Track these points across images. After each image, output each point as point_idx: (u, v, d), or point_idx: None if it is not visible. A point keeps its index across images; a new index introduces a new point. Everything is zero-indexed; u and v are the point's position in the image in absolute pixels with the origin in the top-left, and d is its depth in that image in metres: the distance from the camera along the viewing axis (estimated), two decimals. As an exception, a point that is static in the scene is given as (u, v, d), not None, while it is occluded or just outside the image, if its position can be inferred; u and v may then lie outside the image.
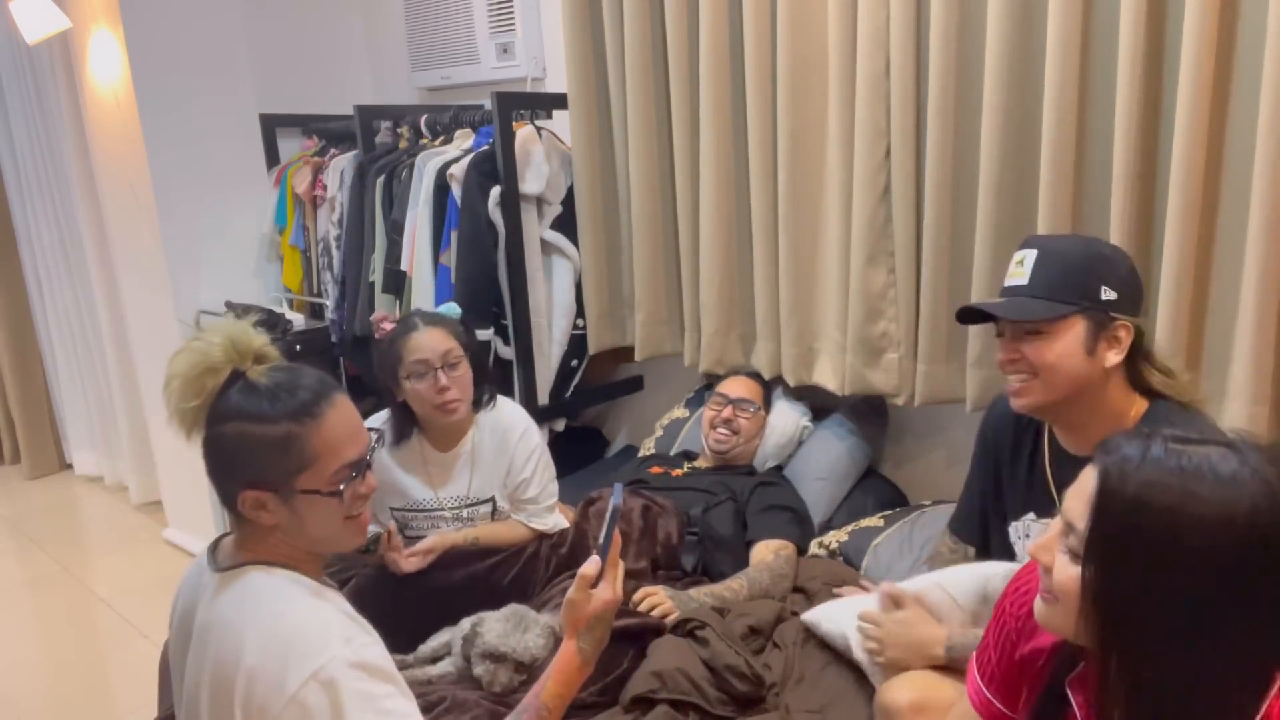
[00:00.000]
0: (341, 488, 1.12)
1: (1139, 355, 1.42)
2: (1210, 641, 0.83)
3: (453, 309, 2.11)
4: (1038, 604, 0.98)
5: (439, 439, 2.08)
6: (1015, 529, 1.62)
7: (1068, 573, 0.90)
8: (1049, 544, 0.95)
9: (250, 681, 1.03)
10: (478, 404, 2.08)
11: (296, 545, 1.15)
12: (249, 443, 1.09)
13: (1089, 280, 1.37)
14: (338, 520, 1.14)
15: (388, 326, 2.05)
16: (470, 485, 2.09)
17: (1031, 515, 1.58)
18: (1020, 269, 1.41)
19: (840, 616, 1.77)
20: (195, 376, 1.10)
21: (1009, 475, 1.62)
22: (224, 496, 1.13)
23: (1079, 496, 0.90)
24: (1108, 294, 1.36)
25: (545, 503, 2.15)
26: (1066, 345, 1.37)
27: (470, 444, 2.08)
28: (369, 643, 1.07)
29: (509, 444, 2.09)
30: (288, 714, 1.01)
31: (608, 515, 1.19)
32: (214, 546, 1.19)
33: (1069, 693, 1.01)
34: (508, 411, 2.14)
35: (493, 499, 2.10)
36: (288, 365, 1.16)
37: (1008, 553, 1.65)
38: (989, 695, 1.16)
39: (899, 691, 1.49)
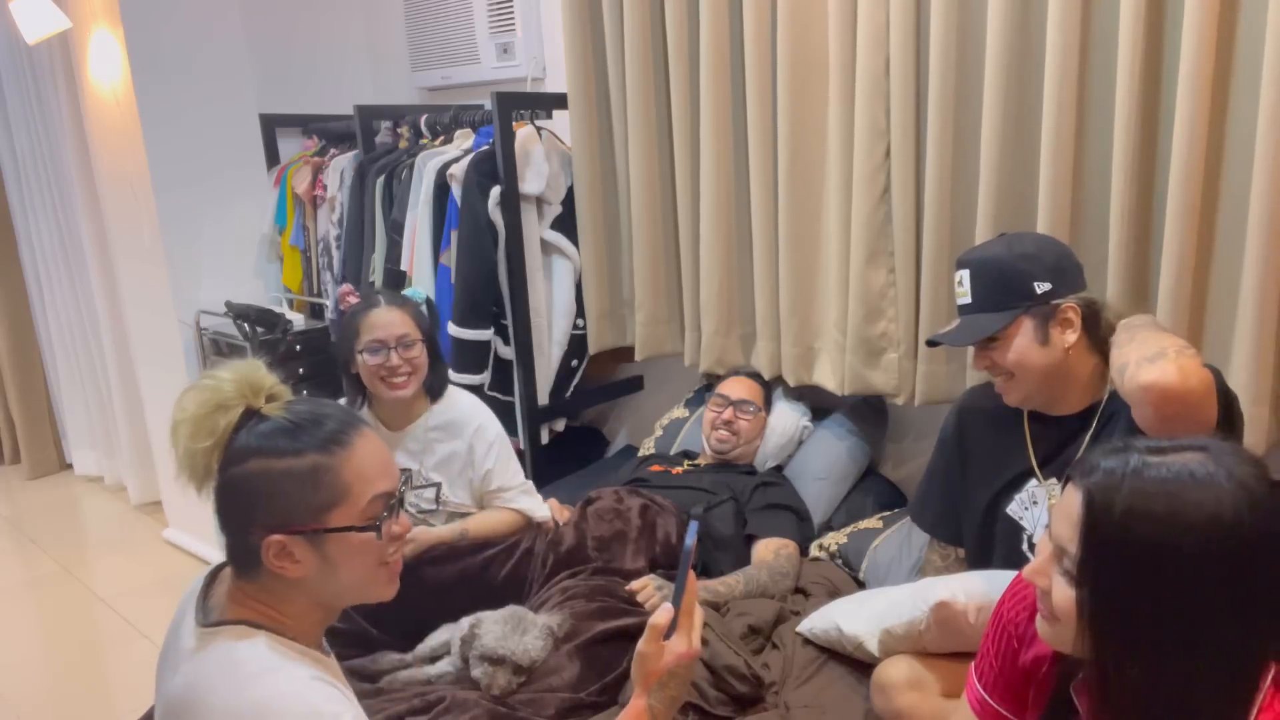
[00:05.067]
0: (378, 521, 1.02)
1: (1096, 325, 1.54)
2: (1205, 646, 0.84)
3: (417, 293, 2.16)
4: (1040, 623, 0.99)
5: (390, 417, 2.13)
6: (1020, 500, 1.64)
7: (1066, 594, 0.91)
8: (1043, 568, 0.95)
9: None
10: (431, 392, 2.13)
11: (312, 604, 1.04)
12: (272, 479, 0.99)
13: (1020, 282, 1.51)
14: (371, 565, 1.04)
15: (353, 300, 2.12)
16: (419, 468, 2.12)
17: (1034, 481, 1.62)
18: (962, 289, 1.57)
19: (827, 614, 1.80)
20: (206, 415, 1.00)
21: (985, 457, 1.69)
22: (240, 547, 1.02)
23: (1065, 519, 0.91)
24: (1041, 287, 1.51)
25: (517, 486, 2.17)
26: (1022, 343, 1.52)
27: (421, 428, 2.12)
28: (338, 713, 0.96)
29: (464, 435, 2.12)
30: None
31: (681, 558, 1.06)
32: (211, 580, 1.08)
33: (1075, 698, 1.01)
34: (463, 402, 2.18)
35: (438, 485, 2.12)
36: (307, 398, 1.07)
37: (990, 539, 1.68)
38: (993, 703, 1.16)
39: (895, 669, 1.56)
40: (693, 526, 1.10)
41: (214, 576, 1.09)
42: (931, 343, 1.62)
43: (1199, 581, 0.84)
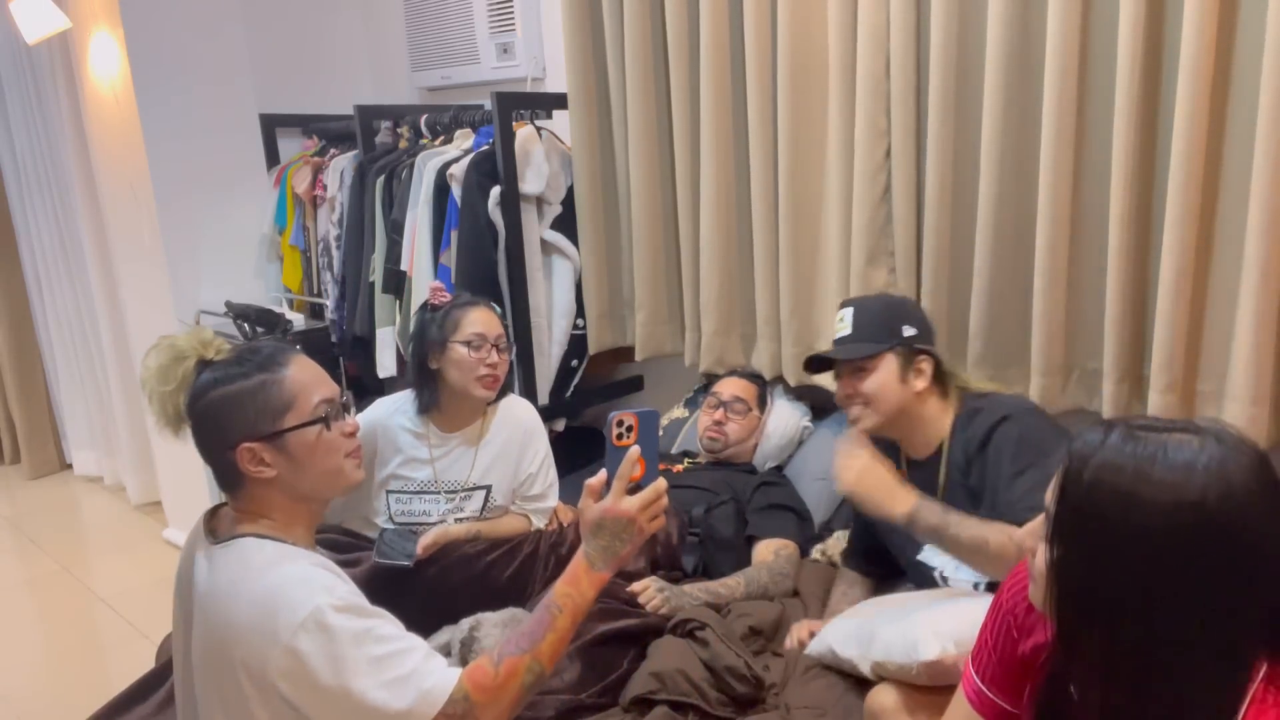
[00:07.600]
0: (324, 414, 1.23)
1: (946, 379, 1.76)
2: (1164, 622, 0.85)
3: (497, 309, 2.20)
4: (1031, 586, 1.00)
5: (448, 419, 2.13)
6: (930, 548, 1.73)
7: (1042, 555, 0.93)
8: (1036, 530, 0.97)
9: (247, 641, 1.11)
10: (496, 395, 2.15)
11: (295, 501, 1.24)
12: (231, 400, 1.20)
13: (893, 322, 1.74)
14: (331, 456, 1.24)
15: (445, 297, 2.14)
16: (471, 470, 2.12)
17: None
18: (843, 324, 1.78)
19: (821, 636, 1.77)
20: (169, 363, 1.23)
21: None
22: (223, 468, 1.22)
23: (1054, 483, 0.93)
24: (909, 330, 1.74)
25: (548, 503, 2.21)
26: (885, 376, 1.72)
27: (479, 430, 2.14)
28: (351, 590, 1.16)
29: (518, 436, 2.15)
30: (284, 663, 1.08)
31: (641, 436, 1.20)
32: (211, 517, 1.27)
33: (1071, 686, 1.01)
34: (521, 407, 2.22)
35: (488, 488, 2.12)
36: (243, 343, 1.30)
37: (925, 578, 1.76)
38: (991, 695, 1.15)
39: (886, 696, 1.55)
40: (649, 414, 1.22)
41: (213, 513, 1.28)
42: (810, 362, 1.82)
43: (1155, 559, 0.84)
